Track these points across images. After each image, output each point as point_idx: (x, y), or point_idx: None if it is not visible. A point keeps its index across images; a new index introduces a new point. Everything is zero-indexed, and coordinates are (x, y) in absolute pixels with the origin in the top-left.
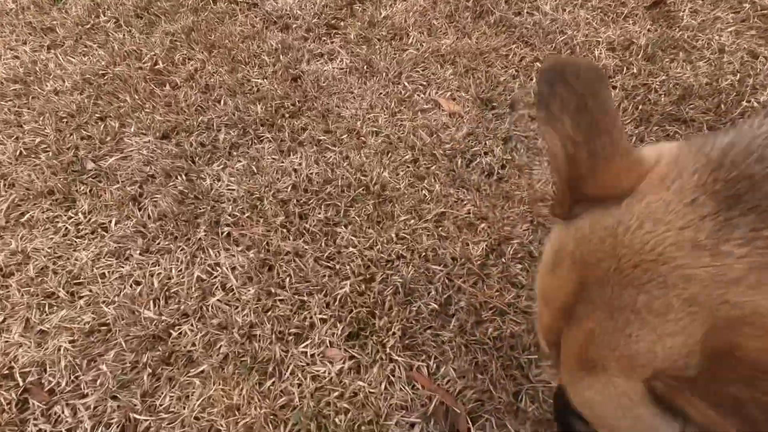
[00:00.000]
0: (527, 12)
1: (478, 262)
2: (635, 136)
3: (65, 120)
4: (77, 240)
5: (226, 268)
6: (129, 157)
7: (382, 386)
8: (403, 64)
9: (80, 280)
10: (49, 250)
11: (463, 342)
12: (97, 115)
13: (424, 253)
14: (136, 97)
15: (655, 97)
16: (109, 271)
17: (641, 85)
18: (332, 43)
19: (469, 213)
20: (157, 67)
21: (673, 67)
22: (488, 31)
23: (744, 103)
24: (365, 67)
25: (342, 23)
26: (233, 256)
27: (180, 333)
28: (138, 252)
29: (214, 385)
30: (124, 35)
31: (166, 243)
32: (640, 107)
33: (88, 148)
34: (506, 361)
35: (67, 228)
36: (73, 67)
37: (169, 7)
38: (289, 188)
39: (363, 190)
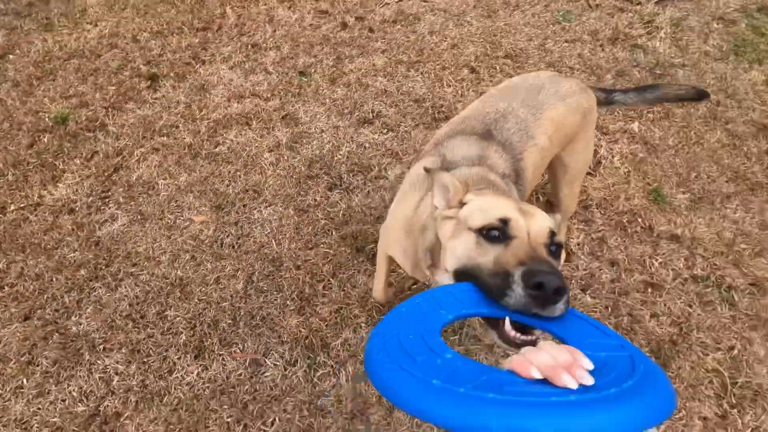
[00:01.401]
0: (223, 142)
1: None
2: None
3: None
4: None
5: None
6: None
7: None
8: (162, 203)
9: None
10: None
11: None
12: None
13: None
14: None
15: None
16: None
17: None
18: (110, 208)
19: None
20: None
21: None
22: (209, 165)
23: None
24: (139, 216)
25: (110, 191)
26: None
27: None
28: None
29: None
30: None
31: None
32: None
33: None
34: None
35: None
36: None
37: None
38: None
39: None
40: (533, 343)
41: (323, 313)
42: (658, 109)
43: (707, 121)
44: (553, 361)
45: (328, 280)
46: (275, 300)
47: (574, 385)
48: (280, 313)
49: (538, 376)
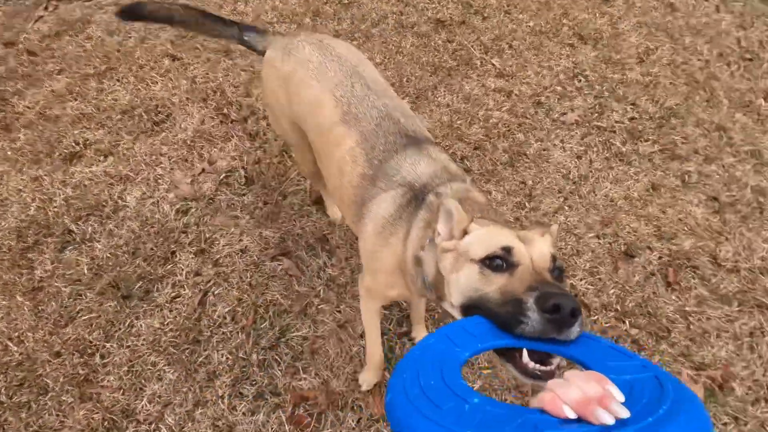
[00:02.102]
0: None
1: None
2: None
3: None
4: None
5: None
6: None
7: None
8: None
9: None
10: None
11: None
12: None
13: None
14: None
15: None
16: None
17: None
18: None
19: None
20: None
21: None
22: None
23: None
24: None
25: None
26: None
27: None
28: None
29: None
30: None
31: None
32: None
33: None
34: None
35: None
36: None
37: None
38: None
39: None
40: (552, 374)
41: (113, 383)
42: (359, 34)
43: (399, 31)
44: (584, 395)
45: (103, 345)
46: (45, 405)
47: (611, 421)
48: (58, 415)
49: (572, 415)
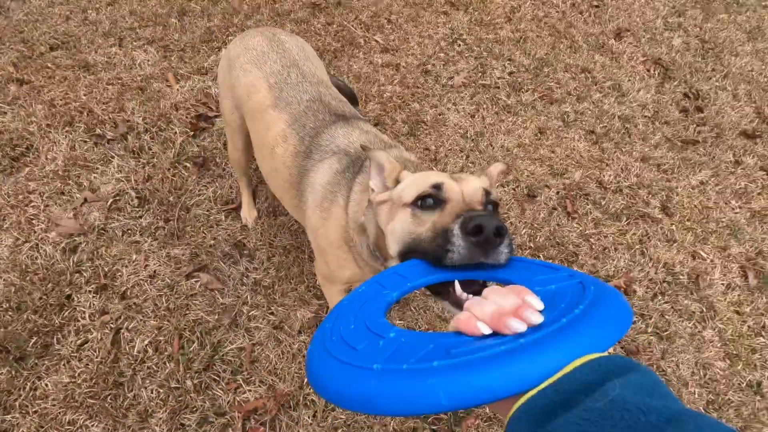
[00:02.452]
0: None
1: None
2: None
3: None
4: None
5: None
6: None
7: None
8: None
9: None
10: None
11: None
12: None
13: None
14: None
15: None
16: None
17: None
18: None
19: None
20: None
21: None
22: None
23: None
24: None
25: None
26: None
27: None
28: None
29: None
30: None
31: None
32: None
33: None
34: None
35: None
36: None
37: None
38: None
39: None
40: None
41: None
42: (233, 29)
43: (276, 20)
44: (499, 309)
45: (2, 420)
46: None
47: (522, 328)
48: None
49: (487, 331)
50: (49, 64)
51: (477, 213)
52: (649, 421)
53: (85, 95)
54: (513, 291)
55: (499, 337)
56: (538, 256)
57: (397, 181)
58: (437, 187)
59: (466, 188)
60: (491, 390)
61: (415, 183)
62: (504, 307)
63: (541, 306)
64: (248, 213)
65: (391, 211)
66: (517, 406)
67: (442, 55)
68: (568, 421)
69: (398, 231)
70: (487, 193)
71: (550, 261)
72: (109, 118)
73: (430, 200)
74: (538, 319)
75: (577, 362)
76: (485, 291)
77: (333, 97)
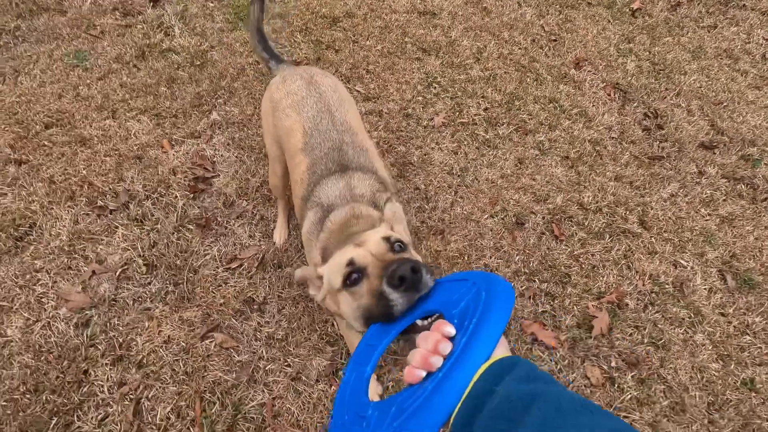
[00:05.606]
0: None
1: None
2: None
3: None
4: None
5: None
6: None
7: None
8: None
9: None
10: None
11: None
12: None
13: None
14: None
15: None
16: None
17: None
18: None
19: None
20: None
21: None
22: None
23: None
24: None
25: None
26: None
27: None
28: None
29: None
30: None
31: None
32: None
33: None
34: None
35: None
36: None
37: None
38: None
39: None
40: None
41: None
42: (222, 92)
43: (261, 80)
44: (424, 352)
45: None
46: None
47: (439, 363)
48: None
49: (422, 374)
50: (46, 142)
51: (393, 266)
52: (524, 402)
53: (84, 169)
54: (435, 328)
55: (430, 376)
56: (534, 281)
57: (321, 277)
58: (351, 263)
59: (372, 247)
60: (433, 425)
61: (334, 271)
62: (428, 349)
63: (453, 332)
64: (279, 233)
65: (335, 300)
66: (452, 420)
67: (420, 98)
68: (483, 420)
69: (349, 312)
70: (387, 239)
71: (546, 284)
72: (110, 188)
73: (353, 275)
74: (447, 348)
75: (481, 370)
76: (417, 339)
77: (354, 145)
